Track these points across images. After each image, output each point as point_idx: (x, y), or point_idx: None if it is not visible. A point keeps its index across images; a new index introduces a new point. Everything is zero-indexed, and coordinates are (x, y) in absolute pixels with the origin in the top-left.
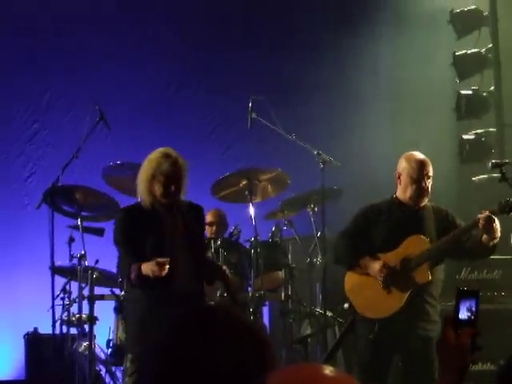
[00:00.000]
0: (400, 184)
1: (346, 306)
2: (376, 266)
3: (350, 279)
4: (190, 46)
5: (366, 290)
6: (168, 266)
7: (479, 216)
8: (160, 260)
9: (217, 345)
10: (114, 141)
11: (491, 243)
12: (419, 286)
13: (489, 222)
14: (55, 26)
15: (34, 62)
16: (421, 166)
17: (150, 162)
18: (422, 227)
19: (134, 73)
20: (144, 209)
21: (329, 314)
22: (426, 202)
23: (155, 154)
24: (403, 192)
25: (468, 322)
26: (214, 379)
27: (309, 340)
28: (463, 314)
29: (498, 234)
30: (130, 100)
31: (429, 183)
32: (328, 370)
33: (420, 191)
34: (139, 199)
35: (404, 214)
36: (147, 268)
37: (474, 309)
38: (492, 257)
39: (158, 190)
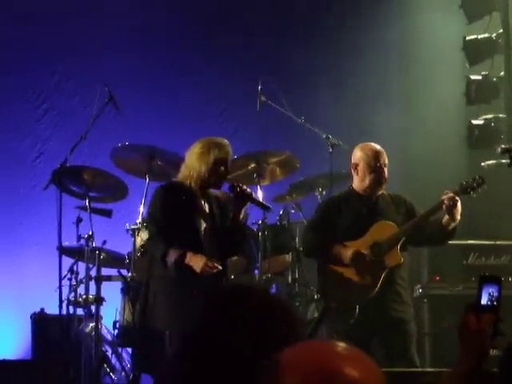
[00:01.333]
0: (357, 174)
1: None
2: (348, 253)
3: (324, 270)
4: (197, 29)
5: (342, 279)
6: (216, 268)
7: (443, 197)
8: (212, 262)
9: (251, 325)
10: (122, 122)
11: (451, 226)
12: (392, 269)
13: (453, 202)
14: (61, 10)
15: (43, 45)
16: (378, 155)
17: (206, 147)
18: (384, 214)
19: (143, 55)
20: (184, 189)
21: None
22: (383, 190)
23: (211, 140)
24: (361, 182)
25: (490, 307)
26: (248, 359)
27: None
28: (485, 300)
29: (459, 216)
30: (138, 82)
31: (386, 172)
32: (341, 346)
33: (379, 179)
34: (180, 178)
35: (363, 204)
36: (195, 261)
37: (495, 295)
38: (500, 242)
39: (209, 171)
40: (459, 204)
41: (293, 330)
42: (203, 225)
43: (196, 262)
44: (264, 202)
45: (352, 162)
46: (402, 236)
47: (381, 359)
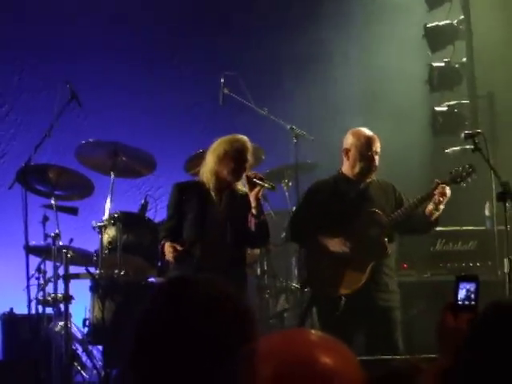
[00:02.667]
0: (348, 160)
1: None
2: (336, 241)
3: (312, 259)
4: (160, 26)
5: (329, 268)
6: (178, 251)
7: (435, 186)
8: (175, 246)
9: (193, 315)
10: (86, 120)
11: (435, 216)
12: (379, 259)
13: (443, 192)
14: (22, 9)
15: (4, 43)
16: (370, 141)
17: (221, 144)
18: (372, 202)
19: (107, 51)
20: (197, 187)
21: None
22: (372, 176)
23: (227, 138)
24: (351, 167)
25: (468, 307)
26: (192, 350)
27: (285, 315)
28: (462, 300)
29: (443, 206)
30: (102, 78)
31: (377, 159)
32: (317, 335)
33: (369, 167)
34: (199, 177)
35: (352, 190)
36: (166, 249)
37: (473, 295)
38: (467, 228)
39: (223, 167)
40: (449, 193)
41: (239, 321)
42: (214, 220)
43: (166, 252)
44: (272, 184)
45: (344, 146)
46: (390, 226)
47: (366, 347)
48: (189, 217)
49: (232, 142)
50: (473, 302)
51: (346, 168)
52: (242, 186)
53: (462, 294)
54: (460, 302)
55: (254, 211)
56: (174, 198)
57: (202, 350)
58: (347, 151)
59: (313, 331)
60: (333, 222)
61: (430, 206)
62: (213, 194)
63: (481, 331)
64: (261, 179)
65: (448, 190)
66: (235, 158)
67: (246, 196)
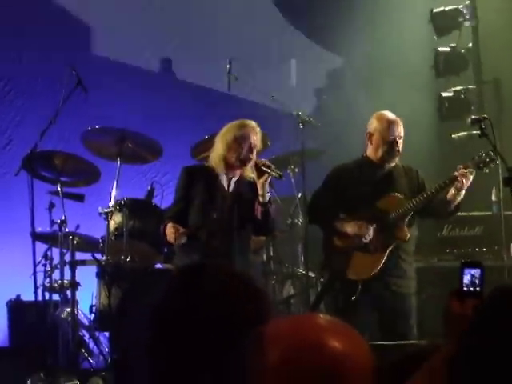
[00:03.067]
0: (371, 144)
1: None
2: (354, 225)
3: (328, 241)
4: (167, 8)
5: (346, 252)
6: (180, 234)
7: (457, 173)
8: (177, 227)
9: (208, 299)
10: (92, 106)
11: (457, 201)
12: (397, 244)
13: (467, 177)
14: None
15: (9, 31)
16: (393, 126)
17: (229, 129)
18: (395, 186)
19: (110, 38)
20: (206, 171)
21: (311, 274)
22: (396, 161)
23: (236, 123)
24: (374, 152)
25: (473, 293)
26: (208, 333)
27: (292, 301)
28: (467, 286)
29: (464, 191)
30: (107, 64)
31: (400, 143)
32: (326, 319)
33: (392, 151)
34: (208, 162)
35: (376, 174)
36: (168, 229)
37: (478, 281)
38: (473, 213)
39: (231, 152)
40: (471, 178)
41: (258, 309)
42: (222, 204)
43: (168, 233)
44: (279, 172)
45: (367, 130)
46: (411, 211)
47: (381, 332)
48: (196, 201)
49: (240, 127)
50: (478, 288)
51: (370, 152)
52: (250, 173)
53: (466, 279)
54: (465, 288)
55: (260, 199)
56: (183, 182)
57: (217, 334)
58: (370, 135)
59: (322, 315)
60: (353, 205)
61: (452, 191)
62: (221, 179)
63: (485, 316)
64: (268, 167)
65: (471, 175)
66: (243, 144)
67: (254, 183)
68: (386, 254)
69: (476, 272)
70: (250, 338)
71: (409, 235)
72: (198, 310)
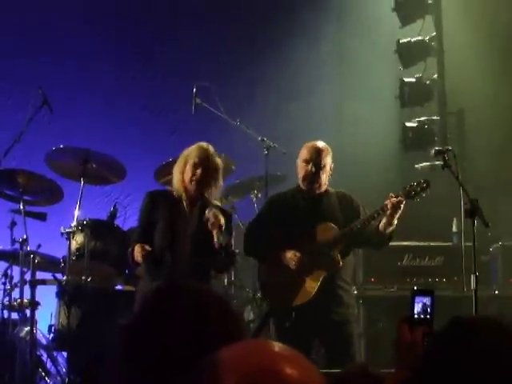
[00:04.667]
0: (297, 170)
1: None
2: (288, 254)
3: (263, 270)
4: (133, 29)
5: (280, 280)
6: (145, 253)
7: (387, 202)
8: (144, 245)
9: (183, 319)
10: (57, 125)
11: (388, 230)
12: (331, 272)
13: (398, 205)
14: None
15: None
16: (312, 150)
17: (184, 153)
18: (327, 213)
19: (78, 58)
20: (169, 196)
21: None
22: (320, 187)
23: (190, 147)
24: (299, 179)
25: (423, 321)
26: (183, 352)
27: (251, 326)
28: (418, 313)
29: (396, 220)
30: (74, 84)
31: (319, 169)
32: (279, 346)
33: (306, 174)
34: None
35: (307, 201)
36: (136, 249)
37: (429, 309)
38: (434, 243)
39: (186, 176)
40: (402, 207)
41: (231, 328)
42: (184, 231)
43: (136, 252)
44: (221, 239)
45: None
46: (342, 239)
47: (322, 360)
48: (159, 226)
49: (193, 150)
50: (428, 316)
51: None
52: (214, 198)
53: (418, 307)
54: (416, 316)
55: (216, 245)
56: (146, 206)
57: (191, 354)
58: (297, 164)
59: (274, 342)
60: (286, 234)
61: (384, 220)
62: (184, 204)
63: (440, 346)
64: (219, 227)
65: (401, 204)
66: (195, 166)
67: (219, 209)
68: (320, 281)
69: (427, 300)
70: (205, 362)
71: (341, 263)
72: (174, 330)
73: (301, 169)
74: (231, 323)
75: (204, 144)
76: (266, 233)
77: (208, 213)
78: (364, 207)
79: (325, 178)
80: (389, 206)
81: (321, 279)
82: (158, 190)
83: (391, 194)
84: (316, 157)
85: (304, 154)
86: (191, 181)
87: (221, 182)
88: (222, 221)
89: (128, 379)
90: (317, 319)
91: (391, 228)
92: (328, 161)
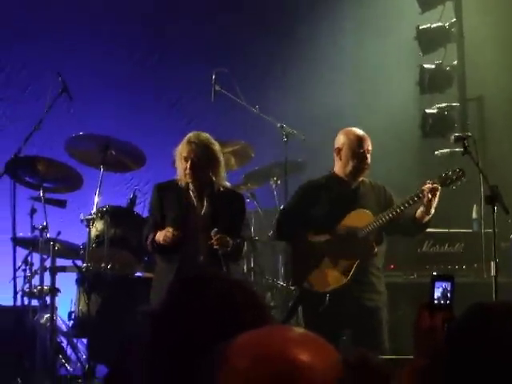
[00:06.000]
0: (340, 159)
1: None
2: (322, 240)
3: (296, 255)
4: (153, 18)
5: (314, 265)
6: (176, 236)
7: (424, 187)
8: (170, 229)
9: (213, 311)
10: (76, 112)
11: (425, 219)
12: (365, 259)
13: (433, 193)
14: (10, 1)
15: None
16: (361, 140)
17: (180, 145)
18: (363, 202)
19: (97, 44)
20: (176, 186)
21: (291, 286)
22: (364, 176)
23: (184, 139)
24: (343, 167)
25: (443, 306)
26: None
27: (271, 313)
28: (438, 299)
29: (433, 209)
30: (92, 72)
31: (369, 158)
32: (296, 331)
33: (361, 165)
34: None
35: (343, 190)
36: (160, 235)
37: (449, 294)
38: (454, 230)
39: (183, 169)
40: (438, 195)
41: (256, 315)
42: (194, 221)
43: (159, 236)
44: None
45: (335, 146)
46: (377, 225)
47: (352, 347)
48: (169, 218)
49: (181, 144)
50: (448, 302)
51: (338, 168)
52: (223, 181)
53: (438, 292)
54: (436, 301)
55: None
56: (154, 199)
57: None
58: (339, 150)
59: (293, 328)
60: (321, 220)
61: (421, 209)
62: (192, 194)
63: (460, 331)
64: (222, 245)
65: (437, 192)
66: (185, 160)
67: (227, 193)
68: (354, 268)
69: (447, 285)
70: (219, 347)
71: (376, 250)
72: (201, 318)
73: (350, 159)
74: (257, 310)
75: (190, 135)
76: (299, 218)
77: (214, 235)
78: (395, 196)
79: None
80: (425, 193)
81: (355, 266)
82: (165, 182)
83: (427, 181)
84: (363, 147)
85: (356, 144)
86: (185, 174)
87: (219, 161)
88: (230, 242)
89: (154, 366)
90: (349, 305)
91: (428, 217)
92: (371, 148)
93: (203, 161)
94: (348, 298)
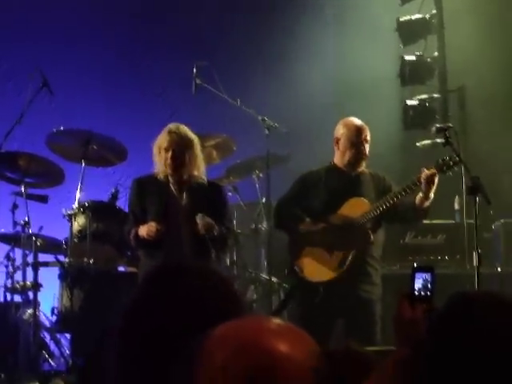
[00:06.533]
0: (338, 149)
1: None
2: (318, 229)
3: (293, 244)
4: (134, 12)
5: (309, 254)
6: (160, 230)
7: (421, 174)
8: (153, 223)
9: (187, 302)
10: (58, 107)
11: (425, 205)
12: (361, 248)
13: (431, 178)
14: None
15: None
16: (359, 130)
17: (159, 137)
18: (361, 192)
19: (78, 38)
20: (156, 180)
21: (274, 279)
22: (363, 166)
23: (163, 130)
24: (341, 157)
25: (424, 297)
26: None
27: (254, 306)
28: (419, 290)
29: (432, 194)
30: (73, 66)
31: (367, 148)
32: (273, 322)
33: (359, 155)
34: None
35: (342, 180)
36: (142, 229)
37: (429, 285)
38: (436, 221)
39: (162, 162)
40: (436, 182)
41: (231, 305)
42: (176, 214)
43: (142, 230)
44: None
45: (334, 136)
46: (374, 214)
47: (345, 336)
48: (150, 212)
49: (161, 136)
50: (429, 293)
51: (337, 158)
52: (203, 174)
53: (418, 284)
54: (416, 293)
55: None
56: (134, 194)
57: (191, 332)
58: (337, 140)
59: (272, 318)
60: (319, 210)
61: (420, 195)
62: (172, 187)
63: (441, 321)
64: (208, 229)
65: (435, 178)
66: (166, 151)
67: (207, 184)
68: (350, 258)
69: (428, 276)
70: (197, 339)
71: (372, 239)
72: (174, 307)
73: (347, 150)
74: (231, 301)
75: (170, 126)
76: (297, 207)
77: (200, 221)
78: (395, 186)
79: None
80: (422, 179)
81: (350, 255)
82: (144, 176)
83: (423, 168)
84: (361, 137)
85: (352, 134)
86: (166, 165)
87: (197, 153)
88: (215, 226)
89: (126, 357)
90: (344, 295)
91: (427, 203)
92: (369, 138)
93: (183, 152)
94: (343, 288)
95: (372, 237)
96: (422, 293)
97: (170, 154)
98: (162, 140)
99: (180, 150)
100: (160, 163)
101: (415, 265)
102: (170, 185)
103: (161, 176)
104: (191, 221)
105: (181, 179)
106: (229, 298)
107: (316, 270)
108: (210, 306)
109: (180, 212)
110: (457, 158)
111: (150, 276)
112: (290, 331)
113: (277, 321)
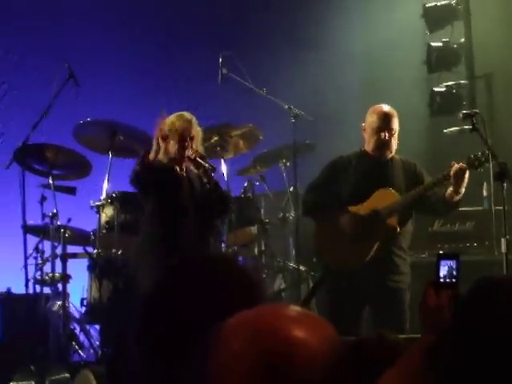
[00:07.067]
0: (365, 136)
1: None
2: (345, 217)
3: (320, 232)
4: (158, 3)
5: (336, 243)
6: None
7: (450, 168)
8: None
9: (207, 291)
10: (84, 99)
11: (455, 199)
12: (388, 238)
13: (461, 173)
14: None
15: (1, 23)
16: (383, 117)
17: (165, 122)
18: (391, 179)
19: (103, 31)
20: (163, 166)
21: (302, 268)
22: (391, 154)
23: (170, 117)
24: (368, 144)
25: (449, 284)
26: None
27: (282, 295)
28: (444, 277)
29: (463, 189)
30: (99, 58)
31: (391, 135)
32: (290, 309)
33: (380, 142)
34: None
35: (372, 166)
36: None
37: (455, 272)
38: (464, 208)
39: (172, 147)
40: (467, 176)
41: (248, 294)
42: (183, 193)
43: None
44: (212, 165)
45: (363, 123)
46: (403, 205)
47: (373, 325)
48: (158, 196)
49: (174, 118)
50: (454, 280)
51: (366, 145)
52: (198, 149)
53: (443, 271)
54: (442, 280)
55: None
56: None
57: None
58: (365, 128)
59: (290, 306)
60: (348, 197)
61: (450, 189)
62: (176, 171)
63: (467, 307)
64: (202, 158)
65: (465, 173)
66: (175, 137)
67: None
68: (376, 247)
69: (453, 263)
70: (214, 328)
71: (399, 230)
72: (191, 299)
73: (371, 137)
74: (253, 290)
75: (181, 113)
76: (327, 193)
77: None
78: (427, 175)
79: (394, 143)
80: (451, 173)
81: (376, 245)
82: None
83: (453, 162)
84: (387, 123)
85: (375, 121)
86: (172, 150)
87: (194, 133)
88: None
89: (145, 349)
90: (371, 284)
91: (458, 197)
92: (397, 125)
93: (192, 138)
94: (370, 276)
95: (398, 229)
96: (448, 280)
97: (183, 143)
98: (177, 124)
99: (190, 136)
100: (172, 146)
101: (440, 252)
102: (177, 168)
103: (165, 160)
104: (194, 206)
105: (180, 166)
106: (250, 287)
107: (342, 258)
108: (231, 294)
109: (187, 195)
110: (488, 155)
111: (167, 269)
112: (307, 318)
113: (294, 308)
